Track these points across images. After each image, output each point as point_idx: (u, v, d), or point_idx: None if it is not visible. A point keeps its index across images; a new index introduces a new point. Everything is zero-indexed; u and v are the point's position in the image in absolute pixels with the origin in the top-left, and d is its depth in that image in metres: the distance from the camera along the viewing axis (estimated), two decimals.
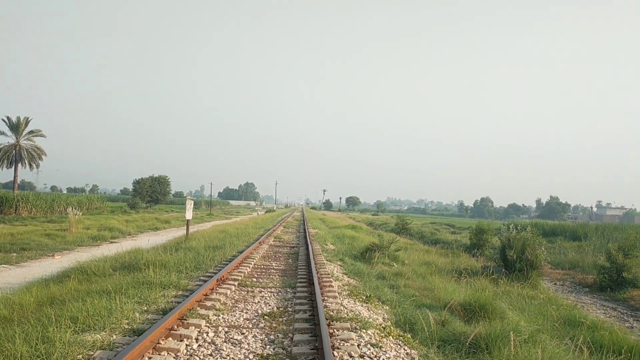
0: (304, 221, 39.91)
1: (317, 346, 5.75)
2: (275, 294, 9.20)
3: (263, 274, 11.65)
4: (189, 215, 18.59)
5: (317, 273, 11.08)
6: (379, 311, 8.50)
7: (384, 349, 5.96)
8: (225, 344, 5.96)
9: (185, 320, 6.71)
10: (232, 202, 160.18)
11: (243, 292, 9.26)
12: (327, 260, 14.55)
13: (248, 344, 6.01)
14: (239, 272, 11.22)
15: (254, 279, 10.77)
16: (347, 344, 5.98)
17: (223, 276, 10.11)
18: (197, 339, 6.09)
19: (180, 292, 8.76)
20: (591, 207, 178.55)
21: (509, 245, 16.08)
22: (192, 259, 12.37)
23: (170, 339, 5.98)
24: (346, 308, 8.07)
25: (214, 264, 12.19)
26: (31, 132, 53.51)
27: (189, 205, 18.72)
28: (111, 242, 20.33)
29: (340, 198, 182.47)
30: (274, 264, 13.36)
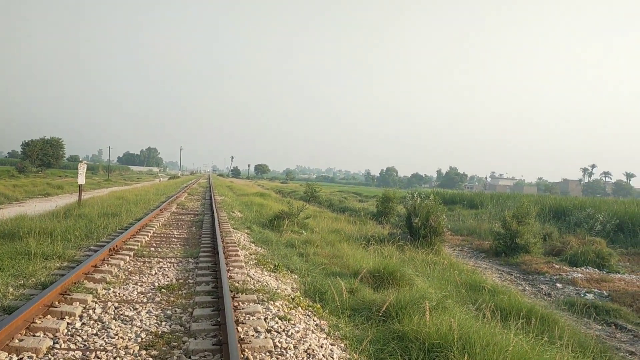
0: (210, 188, 38.65)
1: (220, 321, 5.25)
2: (175, 265, 8.52)
3: (163, 242, 10.85)
4: (81, 180, 17.15)
5: (223, 241, 10.51)
6: (288, 281, 8.14)
7: (292, 322, 5.57)
8: (114, 321, 5.29)
9: (69, 295, 5.93)
10: (133, 168, 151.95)
11: (139, 263, 8.47)
12: (233, 228, 13.95)
13: (141, 320, 5.37)
14: (136, 241, 10.34)
15: (152, 249, 9.96)
16: (253, 317, 5.54)
17: (117, 245, 9.23)
18: (81, 317, 5.37)
19: (65, 264, 7.86)
20: (486, 178, 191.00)
21: (414, 213, 16.34)
22: (83, 227, 11.25)
23: (48, 317, 5.23)
24: (253, 278, 7.60)
25: (107, 233, 11.17)
26: None
27: (82, 169, 17.24)
28: None
29: (249, 166, 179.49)
30: (175, 233, 12.55)
